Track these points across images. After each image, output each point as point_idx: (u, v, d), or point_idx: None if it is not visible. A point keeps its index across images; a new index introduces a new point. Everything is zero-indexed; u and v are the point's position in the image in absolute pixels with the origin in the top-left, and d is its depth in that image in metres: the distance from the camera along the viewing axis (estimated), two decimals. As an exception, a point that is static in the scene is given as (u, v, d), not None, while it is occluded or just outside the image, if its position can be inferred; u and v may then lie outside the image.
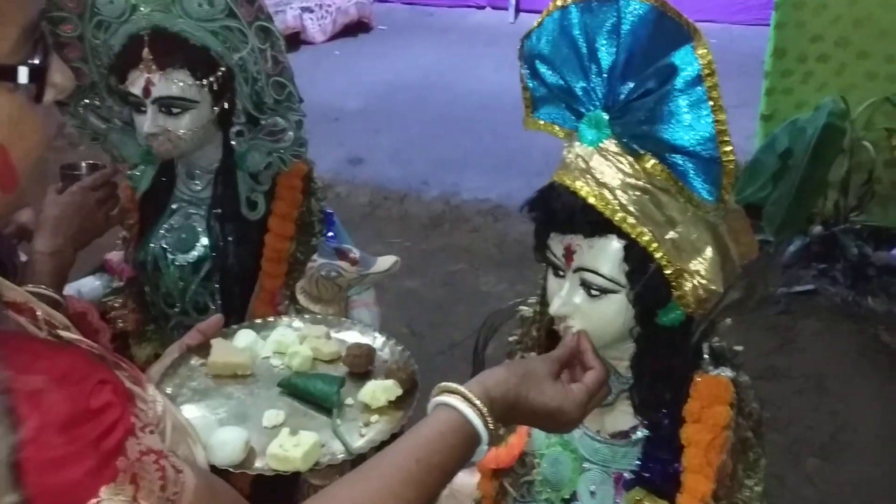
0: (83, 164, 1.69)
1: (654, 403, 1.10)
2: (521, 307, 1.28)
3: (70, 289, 2.08)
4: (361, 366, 1.31)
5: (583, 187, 1.02)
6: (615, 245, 1.03)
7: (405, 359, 1.33)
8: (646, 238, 1.01)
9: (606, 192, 1.01)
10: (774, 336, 3.66)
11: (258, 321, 1.50)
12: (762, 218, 3.91)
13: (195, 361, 1.33)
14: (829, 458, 3.05)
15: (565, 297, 1.08)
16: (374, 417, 1.24)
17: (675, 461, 1.08)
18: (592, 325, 1.08)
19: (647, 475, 1.09)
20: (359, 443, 1.18)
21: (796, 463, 3.02)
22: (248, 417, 1.24)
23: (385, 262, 1.47)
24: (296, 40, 7.41)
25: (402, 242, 4.63)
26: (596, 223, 1.02)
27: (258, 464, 1.15)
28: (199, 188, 1.78)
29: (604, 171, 1.02)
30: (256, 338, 1.42)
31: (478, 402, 0.90)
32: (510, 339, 1.29)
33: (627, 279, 1.04)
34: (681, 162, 1.00)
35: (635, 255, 1.03)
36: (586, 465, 1.18)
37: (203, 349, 1.34)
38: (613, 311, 1.06)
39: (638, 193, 1.01)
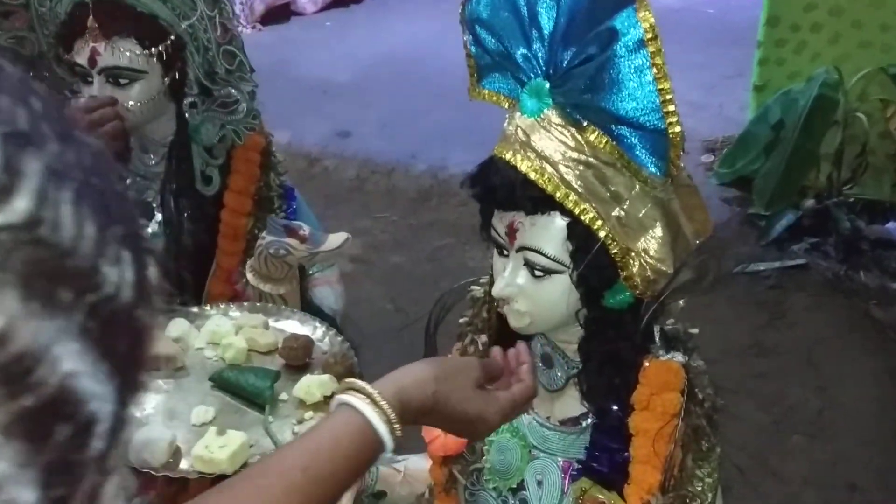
0: None
1: (601, 390, 1.05)
2: (472, 287, 1.22)
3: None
4: (298, 358, 1.26)
5: (522, 161, 0.96)
6: (558, 223, 0.97)
7: (344, 351, 1.28)
8: (589, 215, 0.95)
9: (547, 167, 0.95)
10: (763, 311, 3.59)
11: (193, 310, 1.45)
12: (753, 191, 3.84)
13: None
14: (814, 436, 3.00)
15: (508, 278, 1.03)
16: (309, 414, 1.18)
17: (623, 450, 1.02)
18: (537, 307, 1.03)
19: (593, 465, 1.03)
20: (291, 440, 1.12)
21: (781, 441, 2.98)
22: (176, 414, 1.18)
23: (335, 239, 1.41)
24: (286, 11, 7.28)
25: (390, 217, 4.56)
26: (537, 199, 0.96)
27: (184, 465, 1.09)
28: (153, 162, 1.72)
29: (545, 143, 0.95)
30: (190, 328, 1.37)
31: (384, 405, 0.81)
32: (460, 320, 1.23)
33: (571, 259, 0.98)
34: (626, 134, 0.93)
35: (579, 234, 0.96)
36: (535, 452, 1.13)
37: None
38: (558, 293, 1.00)
39: (581, 168, 0.95)
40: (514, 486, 1.13)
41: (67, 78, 1.70)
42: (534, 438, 1.13)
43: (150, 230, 1.70)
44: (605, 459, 1.03)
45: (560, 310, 1.01)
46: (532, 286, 1.01)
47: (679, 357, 1.02)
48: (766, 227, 3.76)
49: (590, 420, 1.08)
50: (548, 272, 1.00)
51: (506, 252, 1.04)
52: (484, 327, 1.20)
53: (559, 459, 1.10)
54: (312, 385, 1.20)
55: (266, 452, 1.11)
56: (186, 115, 1.65)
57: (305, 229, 1.39)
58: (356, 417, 0.80)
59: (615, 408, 1.04)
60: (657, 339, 1.03)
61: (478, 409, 0.89)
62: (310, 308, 1.76)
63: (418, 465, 1.35)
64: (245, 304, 1.45)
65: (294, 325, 1.35)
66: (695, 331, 1.08)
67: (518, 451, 1.14)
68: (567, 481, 1.08)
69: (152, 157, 1.71)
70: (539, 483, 1.11)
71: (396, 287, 3.90)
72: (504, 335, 1.20)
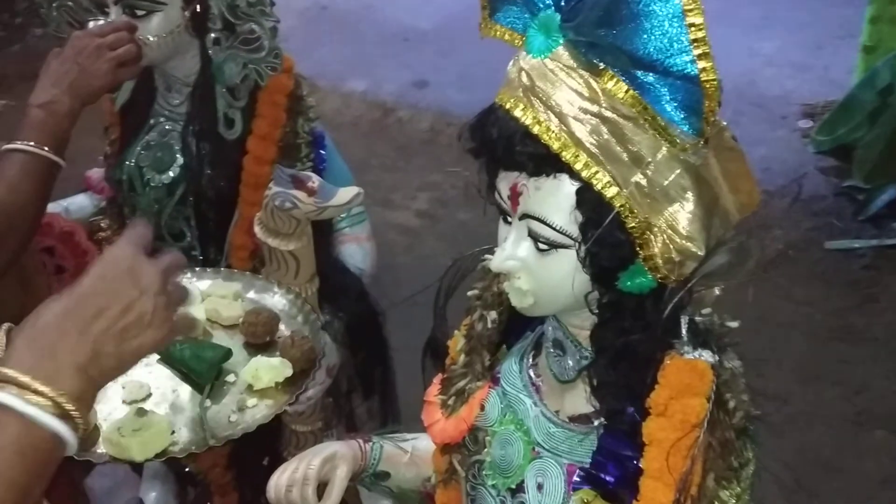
0: None
1: (612, 387, 0.89)
2: (486, 256, 1.07)
3: (57, 207, 1.98)
4: (258, 336, 1.15)
5: (525, 111, 0.80)
6: (566, 188, 0.81)
7: (309, 333, 1.17)
8: (603, 180, 0.79)
9: (554, 119, 0.78)
10: (854, 292, 3.31)
11: None
12: (852, 162, 3.51)
13: None
14: (897, 432, 2.75)
15: (509, 250, 0.87)
16: (252, 401, 1.07)
17: (634, 459, 0.86)
18: (540, 286, 0.87)
19: (597, 473, 0.88)
20: (223, 431, 1.03)
21: (860, 434, 2.73)
22: (111, 385, 1.08)
23: (345, 194, 1.27)
24: (375, -46, 7.11)
25: (462, 171, 4.41)
26: (541, 158, 0.80)
27: (99, 448, 1.00)
28: (177, 102, 1.63)
29: (553, 91, 0.79)
30: None
31: (46, 390, 0.67)
32: (469, 293, 1.09)
33: (580, 232, 0.82)
34: (650, 81, 0.76)
35: (590, 202, 0.80)
36: (538, 450, 0.98)
37: None
38: (564, 272, 0.84)
39: (595, 122, 0.78)
40: (514, 486, 0.99)
41: (93, 9, 1.61)
42: (538, 434, 0.98)
43: (170, 175, 1.61)
44: (612, 468, 0.88)
45: (565, 291, 0.85)
46: (535, 261, 0.86)
47: (708, 355, 0.85)
48: (864, 202, 3.45)
49: (603, 419, 0.92)
50: (553, 246, 0.84)
51: (509, 219, 0.88)
52: (494, 302, 1.06)
53: (564, 462, 0.95)
54: (262, 369, 1.09)
55: (189, 444, 1.01)
56: (210, 52, 1.54)
57: (315, 181, 1.26)
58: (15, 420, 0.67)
59: (630, 409, 0.88)
60: (683, 333, 0.86)
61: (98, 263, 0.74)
62: (334, 266, 1.64)
63: (427, 446, 1.22)
64: (223, 269, 1.35)
65: (269, 300, 1.23)
66: (733, 324, 0.90)
67: (521, 447, 0.99)
68: (570, 488, 0.93)
69: (176, 96, 1.62)
70: (539, 487, 0.96)
71: (460, 245, 3.75)
72: (516, 314, 1.05)
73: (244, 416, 1.06)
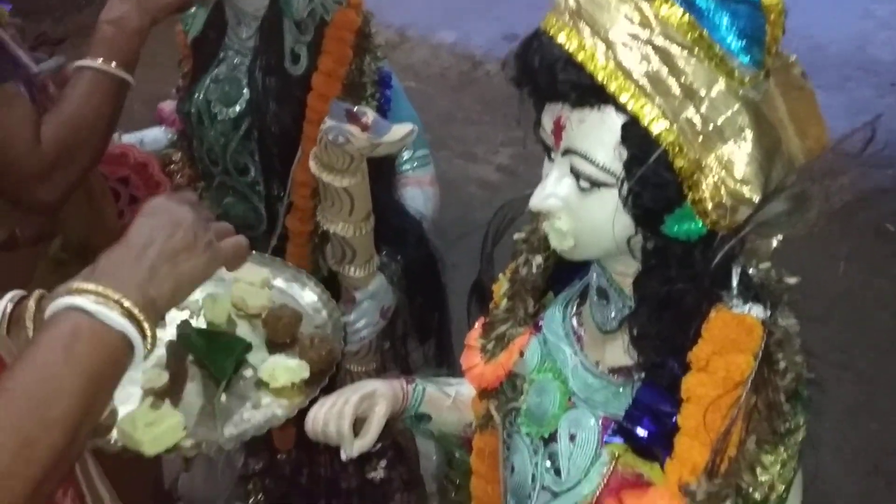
0: None
1: (653, 338, 0.84)
2: (535, 198, 1.03)
3: (133, 138, 2.03)
4: (280, 335, 1.14)
5: (569, 37, 0.74)
6: (612, 122, 0.76)
7: (332, 334, 1.16)
8: (651, 114, 0.73)
9: (600, 46, 0.73)
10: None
11: None
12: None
13: None
14: None
15: (550, 188, 0.83)
16: (267, 400, 1.06)
17: (671, 416, 0.81)
18: (581, 227, 0.82)
19: (631, 427, 0.83)
20: (233, 431, 1.01)
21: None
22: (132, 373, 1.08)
23: (400, 130, 1.24)
24: None
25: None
26: (585, 89, 0.75)
27: (113, 435, 0.99)
28: (246, 36, 1.61)
29: (601, 15, 0.73)
30: None
31: (117, 296, 0.73)
32: (515, 236, 1.05)
33: (624, 170, 0.76)
34: (708, 5, 0.69)
35: (635, 138, 0.74)
36: (574, 400, 0.94)
37: None
38: (606, 212, 0.79)
39: (646, 50, 0.72)
40: (547, 435, 0.96)
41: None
42: (575, 384, 0.94)
43: (237, 109, 1.61)
44: (646, 423, 0.83)
45: (606, 234, 0.80)
46: (577, 200, 0.81)
47: (758, 311, 0.79)
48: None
49: (642, 361, 0.87)
50: (595, 184, 0.79)
51: (553, 156, 0.84)
52: (540, 246, 1.01)
53: (599, 414, 0.91)
54: (279, 369, 1.08)
55: (201, 442, 1.01)
56: (279, -17, 1.52)
57: (369, 116, 1.24)
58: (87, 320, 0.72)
59: (671, 363, 0.83)
60: (734, 285, 0.80)
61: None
62: (394, 208, 1.62)
63: (470, 392, 1.19)
64: (255, 253, 1.31)
65: (298, 292, 1.23)
66: (792, 280, 0.83)
67: (557, 396, 0.96)
68: (603, 441, 0.89)
69: (245, 30, 1.61)
70: (572, 437, 0.92)
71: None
72: (564, 260, 1.01)
73: (256, 413, 1.05)
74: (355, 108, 1.25)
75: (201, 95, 1.65)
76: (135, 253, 0.79)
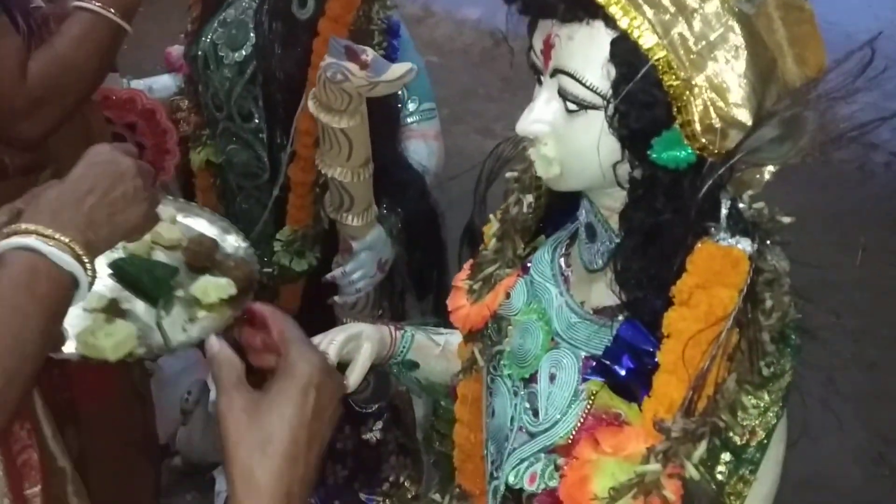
0: None
1: (637, 273, 0.80)
2: (530, 138, 1.00)
3: (141, 84, 2.02)
4: (199, 260, 1.21)
5: None
6: (601, 38, 0.73)
7: (247, 257, 1.23)
8: (641, 28, 0.70)
9: None
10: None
11: None
12: None
13: None
14: None
15: (537, 112, 0.80)
16: (202, 313, 1.14)
17: (652, 355, 0.78)
18: (567, 153, 0.79)
19: (609, 364, 0.81)
20: (179, 337, 1.10)
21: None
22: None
23: (399, 68, 1.21)
24: None
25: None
26: (573, 1, 0.72)
27: (68, 348, 1.06)
28: (255, -22, 1.59)
29: None
30: None
31: (62, 238, 0.80)
32: (507, 174, 1.02)
33: (612, 89, 0.73)
34: None
35: (624, 54, 0.71)
36: (557, 340, 0.91)
37: None
38: (592, 135, 0.76)
39: None
40: (527, 376, 0.93)
41: None
42: (559, 324, 0.91)
43: (242, 53, 1.59)
44: (626, 360, 0.80)
45: (592, 159, 0.77)
46: (564, 124, 0.78)
47: (746, 244, 0.76)
48: None
49: (625, 297, 0.84)
50: (583, 106, 0.76)
51: (542, 79, 0.81)
52: (531, 185, 0.99)
53: (581, 353, 0.88)
54: (210, 286, 1.15)
55: (151, 347, 1.09)
56: (288, -74, 1.50)
57: (369, 55, 1.21)
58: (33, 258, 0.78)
59: (657, 300, 0.80)
60: (722, 217, 0.77)
61: None
62: (396, 159, 1.60)
63: (455, 339, 1.17)
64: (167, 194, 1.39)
65: (202, 225, 1.28)
66: (786, 219, 0.80)
67: (540, 337, 0.93)
68: (583, 380, 0.86)
69: (254, -28, 1.59)
70: (552, 378, 0.90)
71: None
72: (555, 197, 0.98)
73: (195, 326, 1.13)
74: (354, 46, 1.22)
75: (208, 38, 1.63)
76: (77, 197, 0.85)
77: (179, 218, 1.29)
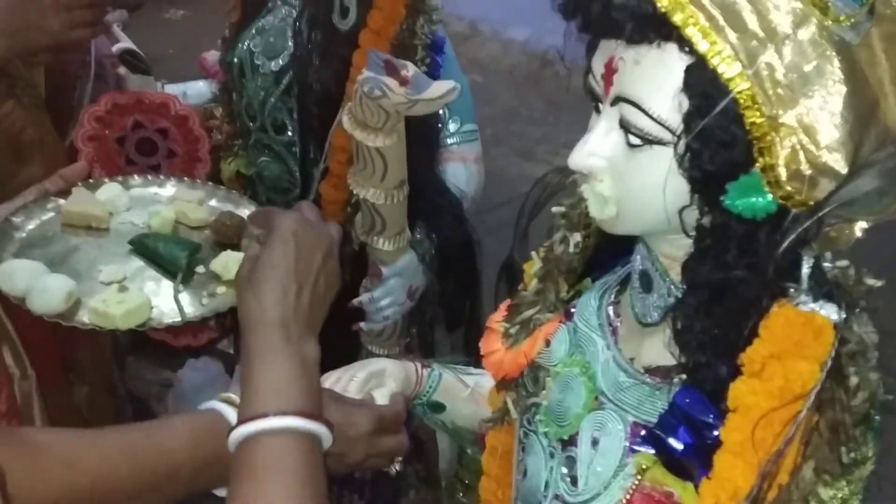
0: None
1: (701, 333, 0.70)
2: (581, 169, 0.90)
3: (176, 90, 1.96)
4: (228, 236, 1.19)
5: None
6: (673, 63, 0.63)
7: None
8: (723, 54, 0.60)
9: None
10: None
11: (131, 179, 1.36)
12: None
13: (52, 206, 1.24)
14: None
15: (593, 143, 0.70)
16: (221, 289, 1.12)
17: (713, 427, 0.68)
18: (626, 192, 0.70)
19: (663, 436, 0.70)
20: (196, 311, 1.09)
21: None
22: (87, 270, 1.14)
23: (440, 87, 1.12)
24: None
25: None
26: (644, 19, 0.62)
27: (80, 316, 1.06)
28: (296, -14, 1.52)
29: None
30: (123, 193, 1.30)
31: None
32: (554, 209, 0.92)
33: (683, 123, 0.64)
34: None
35: (700, 83, 0.62)
36: (601, 400, 0.81)
37: (66, 196, 1.25)
38: (657, 175, 0.67)
39: None
40: (566, 437, 0.83)
41: None
42: (605, 382, 0.81)
43: (279, 62, 1.52)
44: (683, 433, 0.70)
45: (656, 202, 0.68)
46: (624, 160, 0.68)
47: (831, 311, 0.65)
48: None
49: (684, 360, 0.74)
50: (647, 140, 0.66)
51: (601, 107, 0.71)
52: (580, 223, 0.89)
53: (628, 418, 0.78)
54: (231, 261, 1.13)
55: (164, 317, 1.08)
56: (329, -68, 1.43)
57: (409, 70, 1.12)
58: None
59: (721, 365, 0.70)
60: (804, 277, 0.66)
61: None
62: (433, 182, 1.51)
63: (490, 385, 1.08)
64: (186, 179, 1.40)
65: (230, 208, 1.28)
66: (876, 283, 0.69)
67: (583, 394, 0.83)
68: (630, 449, 0.76)
69: (294, -21, 1.52)
70: (594, 442, 0.80)
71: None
72: (606, 238, 0.88)
73: (214, 300, 1.12)
74: (395, 60, 1.13)
75: (245, 46, 1.56)
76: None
77: (213, 203, 1.31)
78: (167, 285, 1.13)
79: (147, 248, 1.18)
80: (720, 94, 0.61)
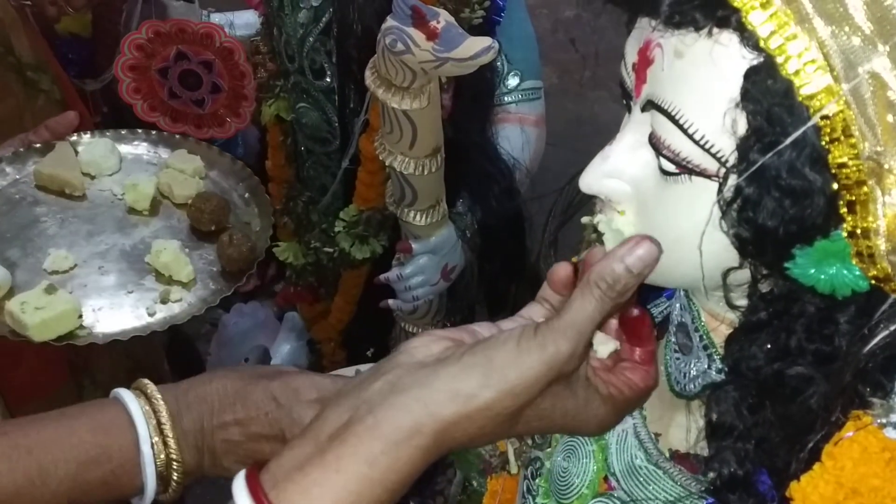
0: None
1: (740, 438, 0.50)
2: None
3: (223, 19, 1.80)
4: (204, 223, 1.05)
5: None
6: (729, 60, 0.42)
7: (259, 231, 1.08)
8: (805, 56, 0.38)
9: None
10: None
11: (125, 132, 1.23)
12: None
13: (33, 163, 1.12)
14: None
15: (615, 160, 0.50)
16: (177, 294, 0.98)
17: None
18: (654, 235, 0.49)
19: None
20: (139, 322, 0.95)
21: None
22: (38, 252, 1.01)
23: (473, 44, 0.91)
24: None
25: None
26: None
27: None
28: (343, -88, 1.32)
29: None
30: (112, 152, 1.16)
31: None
32: (583, 220, 0.72)
33: (738, 152, 0.43)
34: None
35: (767, 97, 0.40)
36: (611, 482, 0.62)
37: (49, 150, 1.14)
38: (694, 220, 0.46)
39: None
40: (564, 518, 0.65)
41: None
42: (618, 460, 0.62)
43: (314, 3, 1.34)
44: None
45: (689, 255, 0.47)
46: (654, 188, 0.48)
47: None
48: None
49: (712, 475, 0.54)
50: (685, 169, 0.45)
51: (632, 105, 0.51)
52: (614, 240, 0.68)
53: (639, 516, 0.59)
54: (170, 255, 1.01)
55: (91, 330, 0.94)
56: None
57: (441, 21, 0.92)
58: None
59: (765, 481, 0.50)
60: (892, 389, 0.45)
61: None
62: (483, 147, 1.31)
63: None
64: (190, 139, 1.26)
65: (230, 183, 1.16)
66: None
67: (590, 468, 0.64)
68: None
69: None
70: (594, 540, 0.61)
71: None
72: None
73: (163, 309, 0.98)
74: (425, 7, 0.93)
75: (286, -24, 1.38)
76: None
77: (214, 174, 1.18)
78: (120, 282, 1.00)
79: None
80: (796, 118, 0.39)
